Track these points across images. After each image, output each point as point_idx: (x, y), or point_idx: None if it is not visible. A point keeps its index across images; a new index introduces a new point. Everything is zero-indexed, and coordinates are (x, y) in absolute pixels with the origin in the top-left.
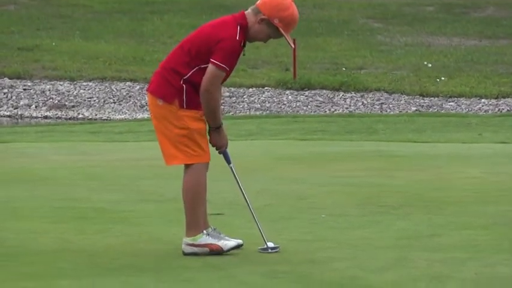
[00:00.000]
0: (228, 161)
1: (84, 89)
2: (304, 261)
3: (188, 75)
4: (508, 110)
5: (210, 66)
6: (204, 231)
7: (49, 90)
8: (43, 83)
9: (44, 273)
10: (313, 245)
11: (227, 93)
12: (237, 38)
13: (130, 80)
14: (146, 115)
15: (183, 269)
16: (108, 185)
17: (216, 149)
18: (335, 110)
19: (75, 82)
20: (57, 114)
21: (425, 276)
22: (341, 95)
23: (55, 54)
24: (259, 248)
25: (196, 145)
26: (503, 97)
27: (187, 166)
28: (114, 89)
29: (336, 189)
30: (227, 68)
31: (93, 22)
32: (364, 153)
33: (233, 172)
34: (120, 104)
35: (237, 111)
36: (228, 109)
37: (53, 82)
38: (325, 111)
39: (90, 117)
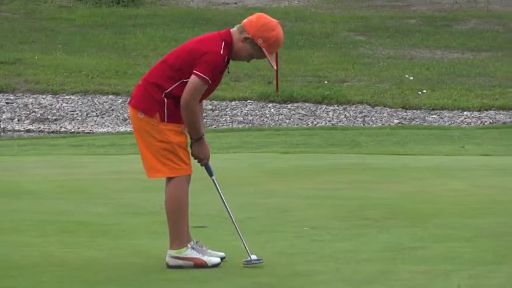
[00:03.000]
0: (210, 174)
1: (67, 103)
2: (287, 274)
3: (170, 89)
4: (490, 122)
5: (193, 77)
6: (189, 245)
7: (31, 103)
8: (25, 97)
9: (26, 287)
10: (296, 257)
11: (209, 106)
12: (221, 52)
13: (113, 94)
14: (129, 128)
15: (167, 282)
16: (91, 198)
17: (198, 162)
18: (317, 122)
19: (57, 95)
20: (39, 127)
21: None
22: (324, 108)
23: (37, 68)
24: (243, 260)
25: (178, 158)
26: (486, 109)
27: (169, 179)
28: (97, 103)
29: (319, 202)
30: (209, 81)
31: (76, 36)
32: (347, 166)
33: (215, 185)
34: (102, 117)
35: (220, 124)
36: (210, 122)
37: (35, 96)
38: (308, 124)
39: (72, 130)
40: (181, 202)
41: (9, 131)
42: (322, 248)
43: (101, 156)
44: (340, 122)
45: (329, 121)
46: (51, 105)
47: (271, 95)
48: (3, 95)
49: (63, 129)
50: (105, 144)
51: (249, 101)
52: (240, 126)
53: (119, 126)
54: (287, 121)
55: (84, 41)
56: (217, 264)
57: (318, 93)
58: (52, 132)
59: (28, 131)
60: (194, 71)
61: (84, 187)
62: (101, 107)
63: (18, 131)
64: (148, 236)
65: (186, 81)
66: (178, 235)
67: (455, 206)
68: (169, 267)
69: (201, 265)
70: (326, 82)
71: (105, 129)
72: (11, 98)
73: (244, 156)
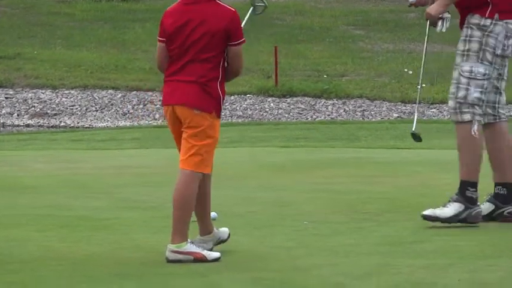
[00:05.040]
0: None
1: (66, 97)
2: (287, 268)
3: (220, 76)
4: None
5: (237, 47)
6: (189, 240)
7: (31, 98)
8: (25, 92)
9: (27, 282)
10: (296, 251)
11: None
12: (233, 9)
13: (112, 88)
14: (128, 123)
15: (167, 276)
16: (91, 193)
17: None
18: (317, 117)
19: (57, 90)
20: (39, 122)
21: (408, 283)
22: (323, 102)
23: (37, 63)
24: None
25: (212, 156)
26: None
27: (188, 173)
28: (96, 97)
29: (319, 196)
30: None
31: (75, 30)
32: (347, 160)
33: None
34: (102, 112)
35: None
36: None
37: (34, 90)
38: (307, 118)
39: (72, 125)
40: (192, 199)
41: (9, 125)
42: (322, 241)
43: (100, 151)
44: (339, 116)
45: (328, 115)
46: (51, 100)
47: (271, 89)
48: (2, 90)
49: (62, 124)
50: (104, 139)
51: (248, 95)
52: (240, 120)
53: (118, 120)
54: (286, 115)
55: (83, 36)
56: (217, 259)
57: (317, 88)
58: (51, 127)
59: (27, 125)
60: (237, 42)
61: (84, 182)
62: (100, 101)
63: (18, 125)
64: (148, 231)
65: (223, 60)
66: (182, 229)
67: None
68: (169, 261)
69: (200, 259)
70: (325, 76)
71: (104, 124)
72: (11, 92)
73: (243, 151)
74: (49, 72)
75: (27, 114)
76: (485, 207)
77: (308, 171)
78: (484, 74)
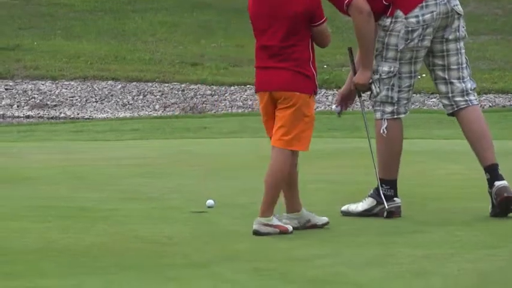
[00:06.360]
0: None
1: (66, 88)
2: (287, 259)
3: (311, 55)
4: (489, 106)
5: (323, 26)
6: (274, 214)
7: (31, 89)
8: (25, 83)
9: (27, 273)
10: (296, 242)
11: (209, 91)
12: None
13: (112, 79)
14: (128, 114)
15: (167, 267)
16: (91, 184)
17: None
18: (317, 107)
19: (56, 81)
20: (39, 113)
21: (408, 272)
22: (323, 93)
23: (36, 54)
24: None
25: (309, 134)
26: (485, 93)
27: (283, 151)
28: (96, 88)
29: (319, 186)
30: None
31: (75, 21)
32: (347, 151)
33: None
34: (102, 103)
35: (219, 109)
36: (209, 107)
37: (34, 82)
38: None
39: (72, 116)
40: (286, 175)
41: (9, 117)
42: (322, 232)
43: (100, 142)
44: None
45: (328, 105)
46: (51, 91)
47: None
48: (2, 81)
49: (62, 115)
50: (104, 130)
51: (248, 85)
52: (240, 111)
53: (118, 111)
54: None
55: (83, 27)
56: (291, 232)
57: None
58: (51, 118)
59: (27, 117)
60: (320, 22)
61: (84, 173)
62: (100, 92)
63: (18, 117)
64: (148, 222)
65: (310, 38)
66: (272, 204)
67: (454, 189)
68: (260, 234)
69: (285, 231)
70: (325, 66)
71: (104, 115)
72: (10, 84)
73: (244, 141)
74: (49, 63)
75: (27, 105)
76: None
77: (308, 162)
78: (389, 72)
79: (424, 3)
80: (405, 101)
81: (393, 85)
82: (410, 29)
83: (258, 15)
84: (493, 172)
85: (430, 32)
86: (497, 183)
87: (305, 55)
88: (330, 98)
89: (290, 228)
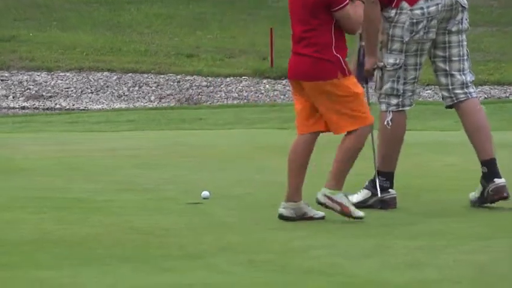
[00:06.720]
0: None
1: (62, 80)
2: (283, 250)
3: (333, 40)
4: (485, 97)
5: (344, 10)
6: (342, 191)
7: (26, 80)
8: (20, 74)
9: (22, 263)
10: (292, 233)
11: (204, 83)
12: None
13: (108, 70)
14: (124, 105)
15: (163, 258)
16: (86, 175)
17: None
18: None
19: (52, 73)
20: (34, 104)
21: (403, 264)
22: None
23: (32, 45)
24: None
25: (365, 107)
26: (480, 85)
27: (353, 132)
28: (92, 79)
29: (315, 178)
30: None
31: (70, 12)
32: None
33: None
34: (97, 94)
35: (215, 101)
36: (205, 98)
37: (30, 73)
38: None
39: (67, 107)
40: (357, 153)
41: (4, 108)
42: (318, 223)
43: (95, 133)
44: None
45: None
46: (46, 82)
47: (266, 70)
48: None
49: (58, 106)
50: (100, 121)
51: (243, 77)
52: (235, 102)
53: (113, 103)
54: (282, 97)
55: (79, 18)
56: (360, 217)
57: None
58: (47, 109)
59: (23, 108)
60: (339, 6)
61: (79, 164)
62: (95, 83)
63: (13, 108)
64: (144, 213)
65: (334, 23)
66: (340, 178)
67: (450, 181)
68: (319, 203)
69: (347, 213)
70: None
71: (100, 106)
72: (6, 75)
73: (239, 132)
74: (44, 54)
75: (22, 96)
76: (478, 188)
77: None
78: (394, 64)
79: None
80: (410, 93)
81: (399, 77)
82: (415, 20)
83: (290, 3)
84: (492, 167)
85: (435, 24)
86: (498, 181)
87: (325, 40)
88: None
89: (356, 212)
